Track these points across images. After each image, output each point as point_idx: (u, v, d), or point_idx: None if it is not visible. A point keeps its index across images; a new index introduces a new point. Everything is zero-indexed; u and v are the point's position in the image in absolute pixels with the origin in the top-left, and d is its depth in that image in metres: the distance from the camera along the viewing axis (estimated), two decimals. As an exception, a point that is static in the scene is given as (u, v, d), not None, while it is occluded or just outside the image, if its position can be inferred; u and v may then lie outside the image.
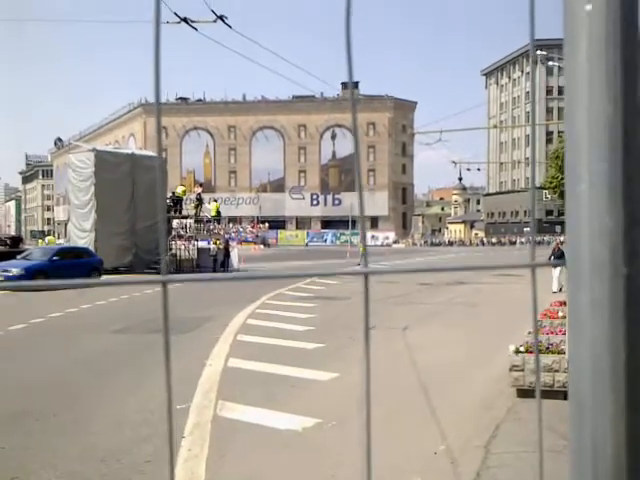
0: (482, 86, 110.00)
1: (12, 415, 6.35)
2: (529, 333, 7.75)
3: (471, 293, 18.62)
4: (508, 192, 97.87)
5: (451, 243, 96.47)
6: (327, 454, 5.33)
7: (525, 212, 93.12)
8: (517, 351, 6.83)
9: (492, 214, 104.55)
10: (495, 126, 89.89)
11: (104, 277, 23.13)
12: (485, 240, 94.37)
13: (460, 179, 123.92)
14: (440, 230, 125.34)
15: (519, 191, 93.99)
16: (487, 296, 17.63)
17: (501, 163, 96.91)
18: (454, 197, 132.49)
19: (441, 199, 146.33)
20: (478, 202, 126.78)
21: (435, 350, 9.68)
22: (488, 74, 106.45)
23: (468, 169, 58.64)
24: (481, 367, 8.45)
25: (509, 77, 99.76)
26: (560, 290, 16.81)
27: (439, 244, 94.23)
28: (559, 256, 17.57)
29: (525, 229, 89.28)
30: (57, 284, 0.74)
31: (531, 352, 6.77)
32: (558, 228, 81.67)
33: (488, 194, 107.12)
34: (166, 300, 0.60)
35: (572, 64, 0.53)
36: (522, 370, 6.69)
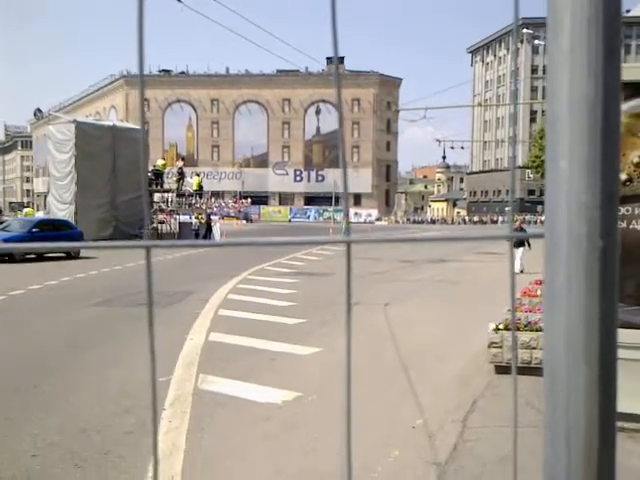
0: (468, 63, 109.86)
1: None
2: (508, 310, 7.86)
3: (452, 271, 18.78)
4: (491, 171, 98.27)
5: (433, 221, 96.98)
6: (307, 428, 5.40)
7: (507, 191, 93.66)
8: (496, 329, 6.93)
9: (475, 193, 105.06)
10: (480, 104, 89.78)
11: (90, 242, 22.98)
12: (467, 218, 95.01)
13: (444, 157, 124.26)
14: (423, 208, 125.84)
15: (502, 170, 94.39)
16: (468, 274, 17.79)
17: (485, 142, 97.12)
18: (437, 175, 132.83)
19: (424, 177, 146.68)
20: (461, 180, 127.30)
21: (416, 327, 9.79)
22: (474, 51, 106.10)
23: (452, 147, 58.82)
24: (460, 344, 8.56)
25: (495, 55, 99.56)
26: (522, 272, 16.90)
27: (421, 222, 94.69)
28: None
29: (507, 208, 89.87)
30: (41, 247, 0.74)
31: (510, 329, 6.87)
32: (540, 208, 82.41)
33: (471, 172, 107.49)
34: (149, 265, 0.60)
35: (555, 44, 0.54)
36: (500, 347, 6.79)
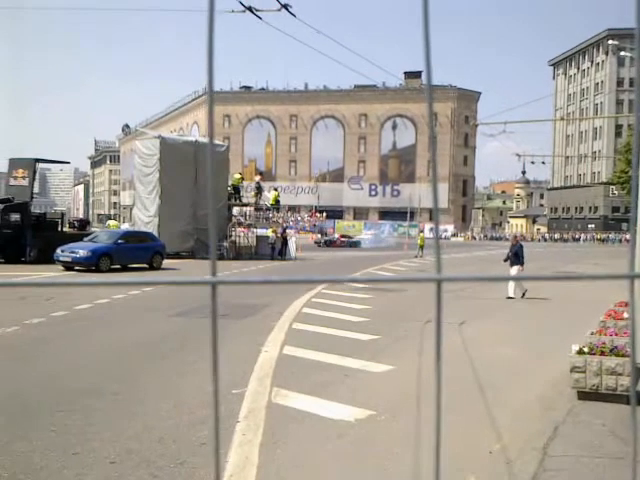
0: (550, 77, 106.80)
1: (74, 393, 6.59)
2: (592, 334, 7.51)
3: (533, 289, 18.14)
4: (573, 187, 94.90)
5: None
6: (379, 446, 5.32)
7: (590, 208, 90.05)
8: (580, 352, 6.63)
9: (555, 209, 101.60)
10: (562, 118, 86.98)
11: (165, 276, 23.72)
12: (547, 236, 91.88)
13: (523, 172, 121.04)
14: (501, 224, 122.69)
15: (585, 186, 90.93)
16: (550, 293, 17.13)
17: (567, 157, 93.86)
18: (516, 191, 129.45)
19: (503, 192, 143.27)
20: (541, 196, 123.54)
21: (494, 347, 9.50)
22: (556, 64, 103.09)
23: (532, 162, 56.86)
24: (542, 366, 8.24)
25: (578, 68, 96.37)
26: (523, 295, 15.52)
27: (499, 238, 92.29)
28: (516, 252, 15.61)
29: (590, 225, 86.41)
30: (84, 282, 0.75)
31: (593, 353, 6.56)
32: (625, 225, 78.72)
33: (552, 188, 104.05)
34: (215, 301, 0.60)
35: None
36: (584, 372, 6.49)
